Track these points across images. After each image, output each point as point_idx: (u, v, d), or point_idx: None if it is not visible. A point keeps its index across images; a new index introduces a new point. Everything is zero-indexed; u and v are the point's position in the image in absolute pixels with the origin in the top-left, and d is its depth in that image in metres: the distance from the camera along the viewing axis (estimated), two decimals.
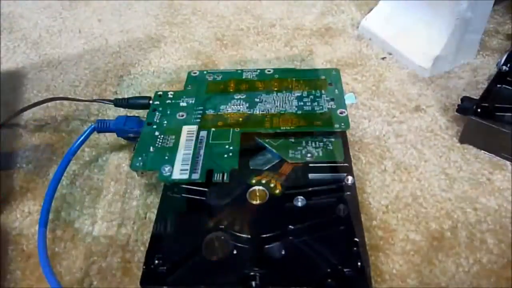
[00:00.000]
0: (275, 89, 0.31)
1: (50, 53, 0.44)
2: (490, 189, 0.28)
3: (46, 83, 0.40)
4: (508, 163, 0.30)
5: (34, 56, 0.44)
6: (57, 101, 0.37)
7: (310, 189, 0.25)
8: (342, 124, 0.28)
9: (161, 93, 0.32)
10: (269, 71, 0.33)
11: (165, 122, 0.29)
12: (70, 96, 0.38)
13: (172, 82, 0.39)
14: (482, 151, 0.31)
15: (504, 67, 0.34)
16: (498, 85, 0.33)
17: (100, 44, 0.44)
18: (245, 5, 0.49)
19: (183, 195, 0.26)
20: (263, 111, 0.29)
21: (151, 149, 0.27)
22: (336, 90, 0.30)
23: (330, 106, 0.29)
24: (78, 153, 0.32)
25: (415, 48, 0.38)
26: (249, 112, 0.29)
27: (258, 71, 0.33)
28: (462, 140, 0.32)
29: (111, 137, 0.34)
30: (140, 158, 0.27)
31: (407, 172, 0.30)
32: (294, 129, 0.28)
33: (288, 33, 0.44)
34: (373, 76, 0.38)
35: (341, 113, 0.28)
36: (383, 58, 0.40)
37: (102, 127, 0.31)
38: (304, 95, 0.30)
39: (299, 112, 0.29)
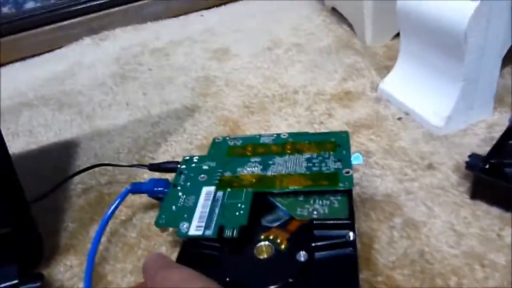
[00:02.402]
0: (288, 152, 0.34)
1: (100, 124, 0.50)
2: (499, 245, 0.29)
3: (95, 151, 0.46)
4: None
5: (87, 127, 0.50)
6: (102, 167, 0.42)
7: (313, 244, 0.27)
8: (346, 183, 0.29)
9: (188, 158, 0.35)
10: (284, 135, 0.35)
11: (189, 183, 0.33)
12: (113, 162, 0.43)
13: (202, 147, 0.43)
14: (494, 206, 0.31)
15: None
16: (509, 141, 0.34)
17: (143, 115, 0.50)
18: (272, 75, 0.53)
19: (198, 249, 0.29)
20: (275, 172, 0.32)
21: (173, 208, 0.30)
22: (344, 151, 0.32)
23: (336, 167, 0.31)
24: (116, 212, 0.37)
25: (429, 108, 0.40)
26: (262, 174, 0.32)
27: (275, 135, 0.36)
28: (473, 196, 0.32)
29: (144, 198, 0.38)
30: (163, 216, 0.30)
31: (416, 228, 0.31)
32: (302, 188, 0.30)
33: (309, 99, 0.47)
34: (388, 136, 0.40)
35: (346, 172, 0.30)
36: (399, 118, 0.42)
37: (136, 189, 0.35)
38: (313, 156, 0.32)
39: (308, 172, 0.31)
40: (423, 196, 0.33)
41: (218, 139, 0.37)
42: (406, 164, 0.36)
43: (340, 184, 0.29)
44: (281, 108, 0.47)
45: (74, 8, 0.74)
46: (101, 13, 0.75)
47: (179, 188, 0.32)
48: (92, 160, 0.44)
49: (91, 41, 0.73)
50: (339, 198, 0.30)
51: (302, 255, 0.26)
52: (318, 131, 0.42)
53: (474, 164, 0.32)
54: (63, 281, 0.32)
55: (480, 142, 0.37)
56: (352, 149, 0.33)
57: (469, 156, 0.33)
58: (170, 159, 0.42)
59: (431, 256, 0.29)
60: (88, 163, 0.44)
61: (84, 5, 0.74)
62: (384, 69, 0.49)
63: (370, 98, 0.46)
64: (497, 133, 0.38)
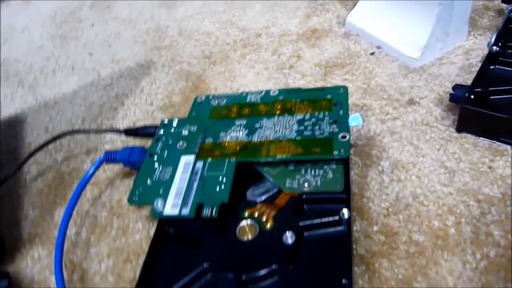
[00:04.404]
0: (278, 112, 0.30)
1: (46, 94, 0.45)
2: (492, 178, 0.28)
3: (45, 125, 0.41)
4: (508, 147, 0.29)
5: (31, 99, 0.45)
6: (56, 143, 0.38)
7: (301, 224, 0.24)
8: (342, 150, 0.26)
9: (166, 122, 0.31)
10: (274, 92, 0.31)
11: (166, 152, 0.29)
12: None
13: (164, 108, 0.39)
14: (481, 138, 0.30)
15: (494, 48, 0.33)
16: (491, 67, 0.33)
17: (93, 78, 0.45)
18: (229, 18, 0.49)
19: (176, 228, 0.26)
20: (261, 138, 0.28)
21: (148, 181, 0.27)
22: (341, 111, 0.28)
23: (331, 130, 0.27)
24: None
25: (403, 38, 0.37)
26: (247, 140, 0.28)
27: (263, 92, 0.32)
28: (459, 129, 0.31)
29: (110, 172, 0.34)
30: (137, 192, 0.27)
31: (405, 170, 0.29)
32: (291, 157, 0.26)
33: (274, 41, 0.43)
34: (363, 73, 0.37)
35: (342, 137, 0.27)
36: (372, 53, 0.39)
37: (109, 158, 0.32)
38: (306, 118, 0.29)
39: (298, 138, 0.27)
40: (408, 135, 0.32)
41: (200, 98, 0.33)
42: (386, 102, 0.34)
43: (335, 152, 0.26)
44: (245, 55, 0.43)
45: None
46: None
47: (155, 158, 0.29)
48: (44, 135, 0.40)
49: None
50: (334, 167, 0.26)
51: (289, 237, 0.24)
52: (288, 76, 0.39)
53: (459, 95, 0.30)
54: (33, 276, 0.29)
55: (459, 71, 0.36)
56: None
57: (453, 88, 0.31)
58: (131, 125, 0.39)
59: (424, 197, 0.28)
60: (40, 139, 0.39)
61: None
62: (349, 1, 0.46)
63: (338, 34, 0.43)
64: (474, 59, 0.36)
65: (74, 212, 0.32)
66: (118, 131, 0.34)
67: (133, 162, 0.31)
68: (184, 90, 0.40)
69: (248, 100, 0.32)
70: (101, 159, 0.32)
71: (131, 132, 0.34)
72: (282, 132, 0.28)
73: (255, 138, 0.28)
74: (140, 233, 0.30)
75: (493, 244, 0.25)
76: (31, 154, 0.35)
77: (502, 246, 0.24)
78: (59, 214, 0.33)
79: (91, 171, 0.31)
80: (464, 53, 0.37)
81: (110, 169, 0.35)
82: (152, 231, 0.30)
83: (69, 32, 0.54)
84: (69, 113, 0.41)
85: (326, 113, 0.29)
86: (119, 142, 0.37)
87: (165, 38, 0.48)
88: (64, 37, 0.53)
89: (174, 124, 0.31)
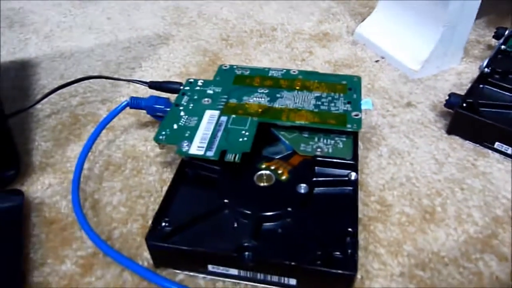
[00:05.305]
0: (297, 88, 0.33)
1: (62, 46, 0.46)
2: (475, 173, 0.32)
3: (60, 72, 0.42)
4: (490, 151, 0.33)
5: (46, 48, 0.46)
6: (71, 88, 0.39)
7: (314, 179, 0.27)
8: (355, 125, 0.29)
9: (192, 80, 0.34)
10: (294, 71, 0.35)
11: (191, 105, 0.31)
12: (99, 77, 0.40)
13: (181, 75, 0.41)
14: (467, 141, 0.34)
15: (486, 69, 0.37)
16: (481, 85, 0.37)
17: (111, 40, 0.47)
18: (247, 11, 0.52)
19: (196, 170, 0.28)
20: (282, 105, 0.31)
21: (175, 126, 0.29)
22: (355, 95, 0.32)
23: (346, 108, 0.31)
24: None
25: (406, 52, 0.42)
26: (269, 105, 0.31)
27: (284, 70, 0.35)
28: (449, 132, 0.35)
29: (126, 120, 0.36)
30: (163, 132, 0.29)
31: (401, 157, 0.33)
32: (308, 124, 0.30)
33: (288, 36, 0.47)
34: (368, 76, 0.41)
35: (355, 115, 0.30)
36: (376, 61, 0.43)
37: (134, 103, 0.34)
38: (323, 96, 0.32)
39: (316, 110, 0.31)
40: (405, 130, 0.35)
41: (225, 66, 0.36)
42: (387, 102, 0.38)
43: (348, 125, 0.29)
44: (261, 43, 0.46)
45: None
46: None
47: (181, 108, 0.31)
48: (59, 80, 0.41)
49: None
50: (344, 139, 0.30)
51: (302, 188, 0.27)
52: (300, 68, 0.42)
53: (454, 102, 0.35)
54: (43, 199, 0.30)
55: (452, 87, 0.40)
56: None
57: (449, 95, 0.35)
58: None
59: (416, 180, 0.31)
60: (54, 83, 0.40)
61: None
62: (358, 15, 0.51)
63: (347, 41, 0.47)
64: (465, 80, 0.41)
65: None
66: (143, 82, 0.36)
67: (157, 109, 0.33)
68: (201, 63, 0.43)
69: (270, 74, 0.35)
70: (126, 102, 0.33)
71: (155, 85, 0.36)
72: (301, 103, 0.31)
73: (276, 105, 0.31)
74: (153, 175, 0.32)
75: (473, 223, 0.28)
76: (51, 92, 0.36)
77: (480, 225, 0.28)
78: (72, 149, 0.34)
79: (115, 112, 0.33)
80: (456, 74, 0.42)
81: (126, 119, 0.36)
82: (165, 176, 0.32)
83: None
84: (85, 66, 0.43)
85: (341, 94, 0.32)
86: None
87: (184, 17, 0.51)
88: None
89: (199, 83, 0.34)
